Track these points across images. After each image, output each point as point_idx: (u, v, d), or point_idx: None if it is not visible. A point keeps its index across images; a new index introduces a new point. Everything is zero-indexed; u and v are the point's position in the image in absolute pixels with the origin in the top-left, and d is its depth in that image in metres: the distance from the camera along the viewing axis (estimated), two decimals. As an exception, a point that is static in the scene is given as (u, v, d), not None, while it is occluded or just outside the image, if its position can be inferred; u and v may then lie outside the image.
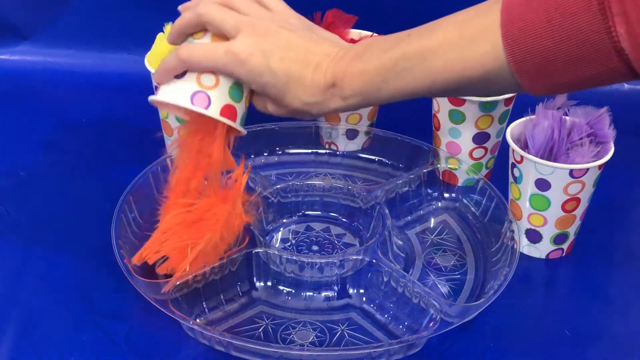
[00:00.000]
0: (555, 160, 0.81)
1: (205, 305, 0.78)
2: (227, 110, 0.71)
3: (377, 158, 1.00)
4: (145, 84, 0.91)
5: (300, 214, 0.91)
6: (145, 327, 0.76)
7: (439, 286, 0.82)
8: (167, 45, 0.86)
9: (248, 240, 0.80)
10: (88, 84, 1.16)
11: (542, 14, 0.59)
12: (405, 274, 0.79)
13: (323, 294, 0.80)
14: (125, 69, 1.17)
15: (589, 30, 0.58)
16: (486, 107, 0.90)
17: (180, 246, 0.75)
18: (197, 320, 0.76)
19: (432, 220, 0.92)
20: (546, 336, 0.77)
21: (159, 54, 0.92)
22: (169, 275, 0.76)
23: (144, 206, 0.86)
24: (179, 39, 0.73)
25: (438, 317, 0.74)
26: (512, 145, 0.83)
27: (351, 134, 1.00)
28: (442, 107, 0.92)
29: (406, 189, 0.92)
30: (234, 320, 0.77)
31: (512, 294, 0.79)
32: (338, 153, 1.01)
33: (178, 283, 0.75)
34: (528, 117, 0.85)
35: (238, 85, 0.71)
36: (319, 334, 0.76)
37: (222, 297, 0.79)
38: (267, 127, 0.98)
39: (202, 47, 0.70)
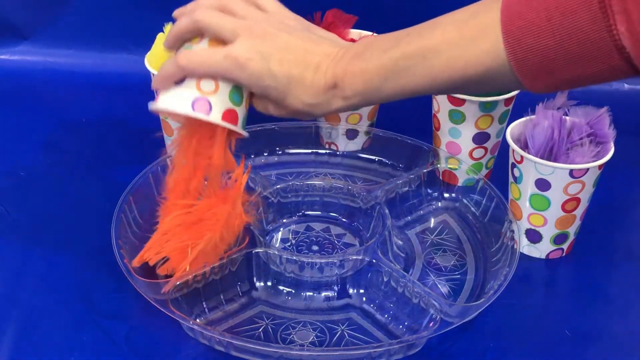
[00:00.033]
0: (555, 160, 0.81)
1: (205, 305, 0.78)
2: (229, 115, 0.71)
3: (377, 158, 1.00)
4: (145, 84, 0.91)
5: (300, 214, 0.91)
6: (145, 327, 0.76)
7: (439, 286, 0.82)
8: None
9: (248, 240, 0.80)
10: (88, 84, 1.16)
11: (542, 12, 0.60)
12: (405, 274, 0.79)
13: (323, 294, 0.80)
14: (125, 69, 1.16)
15: (589, 28, 0.58)
16: (486, 107, 0.90)
17: (181, 247, 0.75)
18: (197, 320, 0.76)
19: (432, 220, 0.91)
20: (546, 336, 0.77)
21: (159, 54, 0.92)
22: (169, 276, 0.76)
23: (144, 206, 0.86)
24: (175, 45, 0.73)
25: (438, 317, 0.74)
26: (512, 145, 0.83)
27: (351, 134, 1.00)
28: (442, 107, 0.92)
29: (406, 189, 0.92)
30: (234, 320, 0.77)
31: (512, 294, 0.79)
32: (338, 153, 1.01)
33: (178, 283, 0.75)
34: (528, 117, 0.85)
35: (238, 89, 0.71)
36: (319, 334, 0.76)
37: (222, 297, 0.79)
38: (267, 127, 0.98)
39: (200, 53, 0.70)
